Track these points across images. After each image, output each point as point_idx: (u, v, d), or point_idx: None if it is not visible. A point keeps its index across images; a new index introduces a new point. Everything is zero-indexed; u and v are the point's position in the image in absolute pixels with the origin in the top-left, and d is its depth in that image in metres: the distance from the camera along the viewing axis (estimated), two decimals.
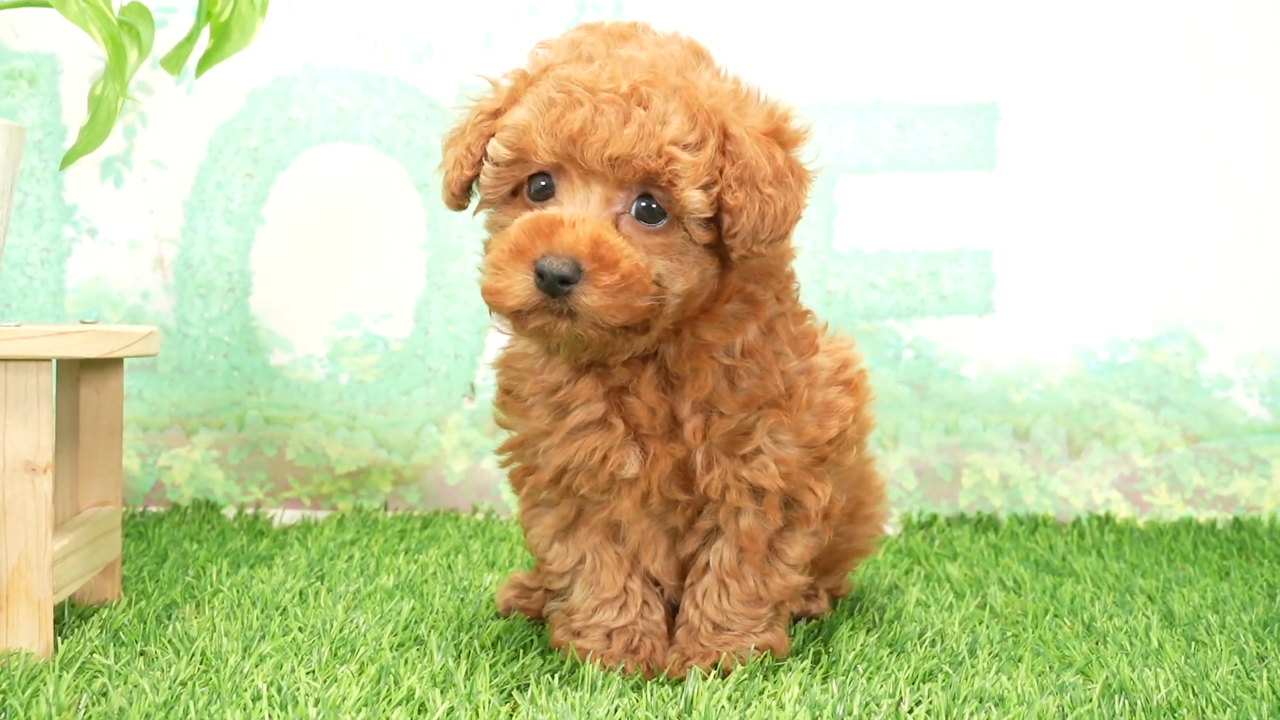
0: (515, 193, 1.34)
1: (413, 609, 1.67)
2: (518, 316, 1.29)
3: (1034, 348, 2.49)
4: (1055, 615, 1.74)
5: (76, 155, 1.84)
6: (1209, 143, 2.49)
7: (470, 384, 2.50)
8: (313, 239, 2.49)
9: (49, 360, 1.49)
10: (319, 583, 1.82)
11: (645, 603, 1.50)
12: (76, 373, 1.72)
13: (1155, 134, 2.48)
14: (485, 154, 1.33)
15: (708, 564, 1.48)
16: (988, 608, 1.78)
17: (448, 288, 2.49)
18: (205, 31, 1.97)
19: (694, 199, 1.29)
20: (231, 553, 2.03)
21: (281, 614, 1.64)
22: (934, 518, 2.45)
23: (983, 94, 2.48)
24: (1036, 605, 1.78)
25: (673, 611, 1.52)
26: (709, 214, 1.30)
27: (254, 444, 2.49)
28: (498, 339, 2.38)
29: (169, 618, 1.62)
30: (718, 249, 1.34)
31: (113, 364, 1.75)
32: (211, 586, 1.79)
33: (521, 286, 1.26)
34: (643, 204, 1.30)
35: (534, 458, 1.47)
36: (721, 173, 1.30)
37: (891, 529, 2.42)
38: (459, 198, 1.38)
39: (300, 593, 1.76)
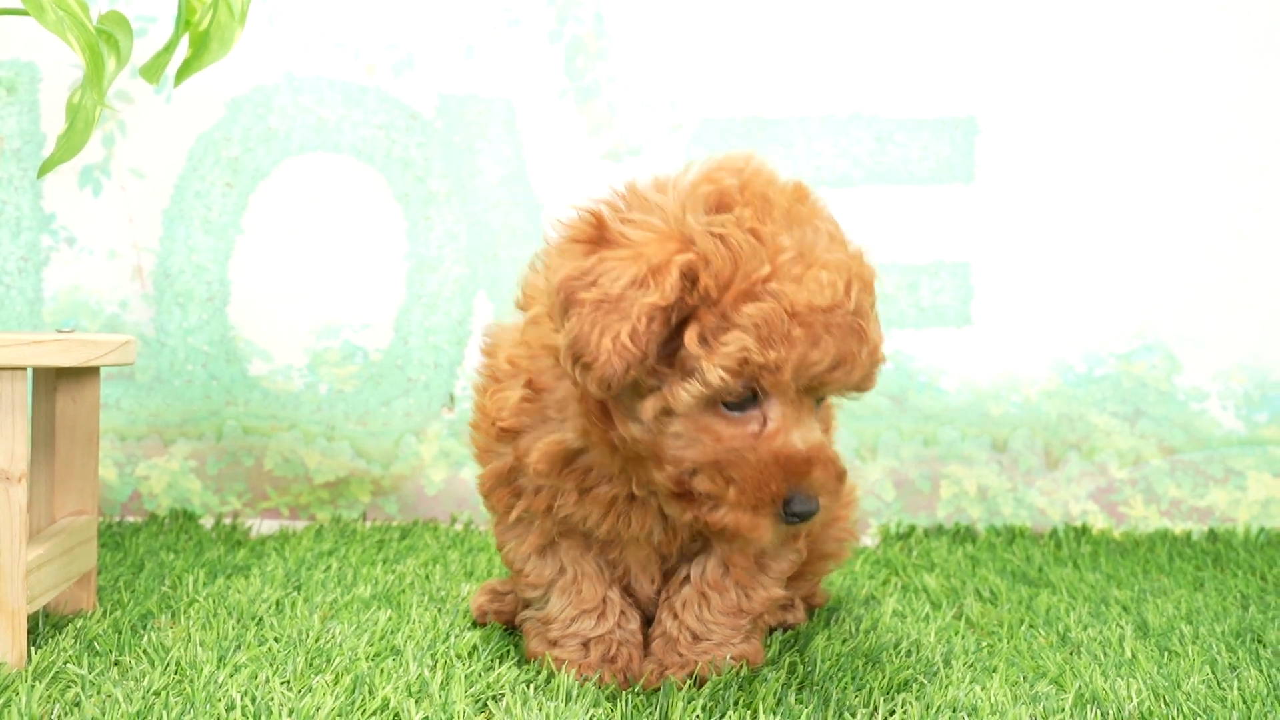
0: (706, 403, 1.24)
1: (389, 619, 1.67)
2: (748, 544, 1.31)
3: (1012, 360, 2.51)
4: (1031, 626, 1.74)
5: (54, 163, 1.84)
6: (1187, 158, 2.50)
7: (450, 394, 2.50)
8: (292, 249, 2.49)
9: (24, 369, 1.49)
10: (296, 593, 1.82)
11: (623, 612, 1.50)
12: (53, 382, 1.72)
13: (1133, 149, 2.50)
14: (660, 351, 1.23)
15: (687, 576, 1.49)
16: (964, 618, 1.79)
17: (427, 298, 2.49)
18: (185, 41, 1.97)
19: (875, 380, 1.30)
20: (208, 563, 2.02)
21: (257, 624, 1.64)
22: (912, 529, 2.46)
23: (961, 108, 2.50)
24: (1012, 616, 1.79)
25: (645, 623, 1.53)
26: None
27: (232, 454, 2.48)
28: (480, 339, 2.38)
29: (144, 628, 1.61)
30: None
31: (89, 373, 1.74)
32: (188, 596, 1.78)
33: (772, 524, 1.24)
34: None
35: (519, 481, 1.46)
36: None
37: (870, 540, 2.43)
38: (614, 392, 1.24)
39: (277, 603, 1.75)
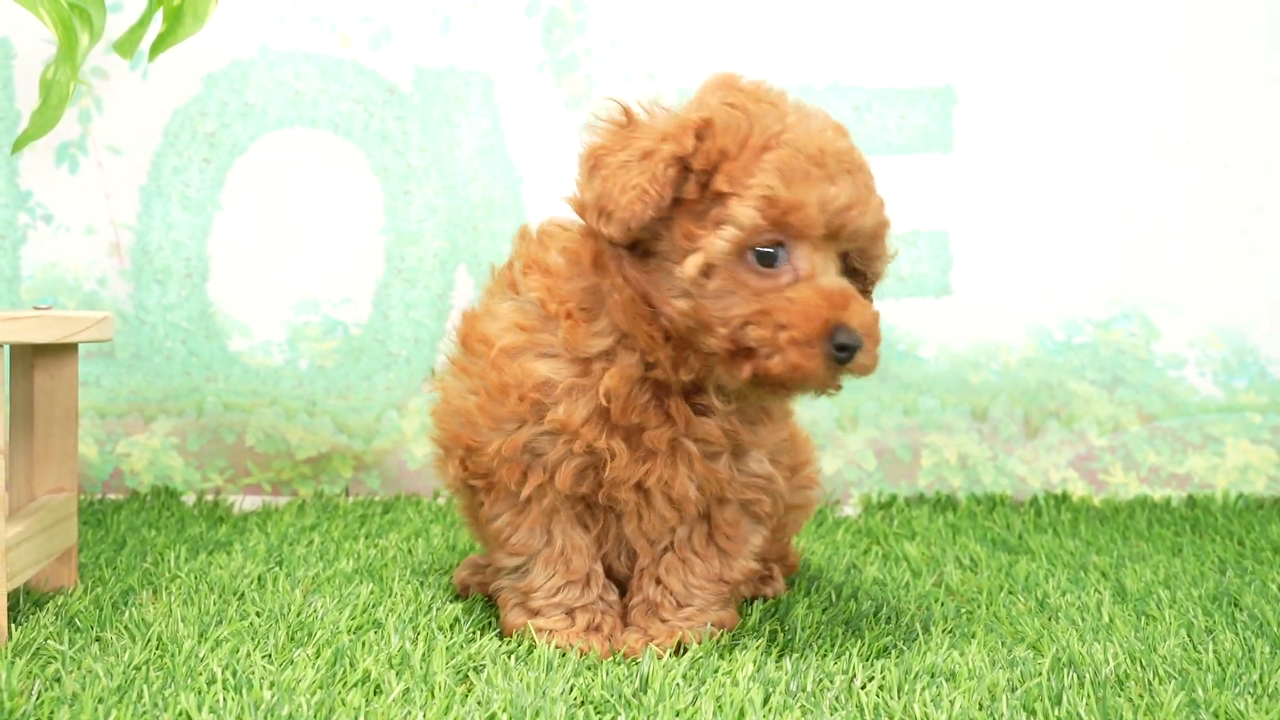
0: (737, 256, 1.32)
1: (371, 592, 1.67)
2: (802, 385, 1.33)
3: (991, 329, 2.51)
4: (1010, 592, 1.76)
5: (28, 139, 1.83)
6: (1162, 126, 2.51)
7: (432, 369, 2.50)
8: (271, 224, 2.48)
9: (1, 346, 1.48)
10: (278, 568, 1.82)
11: (604, 584, 1.52)
12: (30, 358, 1.71)
13: (1110, 117, 2.51)
14: (675, 202, 1.34)
15: (670, 544, 1.50)
16: (944, 585, 1.80)
17: (407, 272, 2.49)
18: (159, 15, 1.96)
19: (891, 250, 1.41)
20: (190, 539, 2.02)
21: (239, 599, 1.64)
22: (893, 498, 2.47)
23: (939, 77, 2.50)
24: (991, 582, 1.80)
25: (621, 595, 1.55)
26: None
27: (213, 430, 2.48)
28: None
29: (126, 604, 1.61)
30: None
31: (67, 349, 1.74)
32: (169, 572, 1.78)
33: (824, 361, 1.30)
34: (845, 263, 1.37)
35: (531, 458, 1.45)
36: None
37: (851, 509, 2.44)
38: (633, 234, 1.34)
39: (258, 578, 1.76)
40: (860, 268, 1.39)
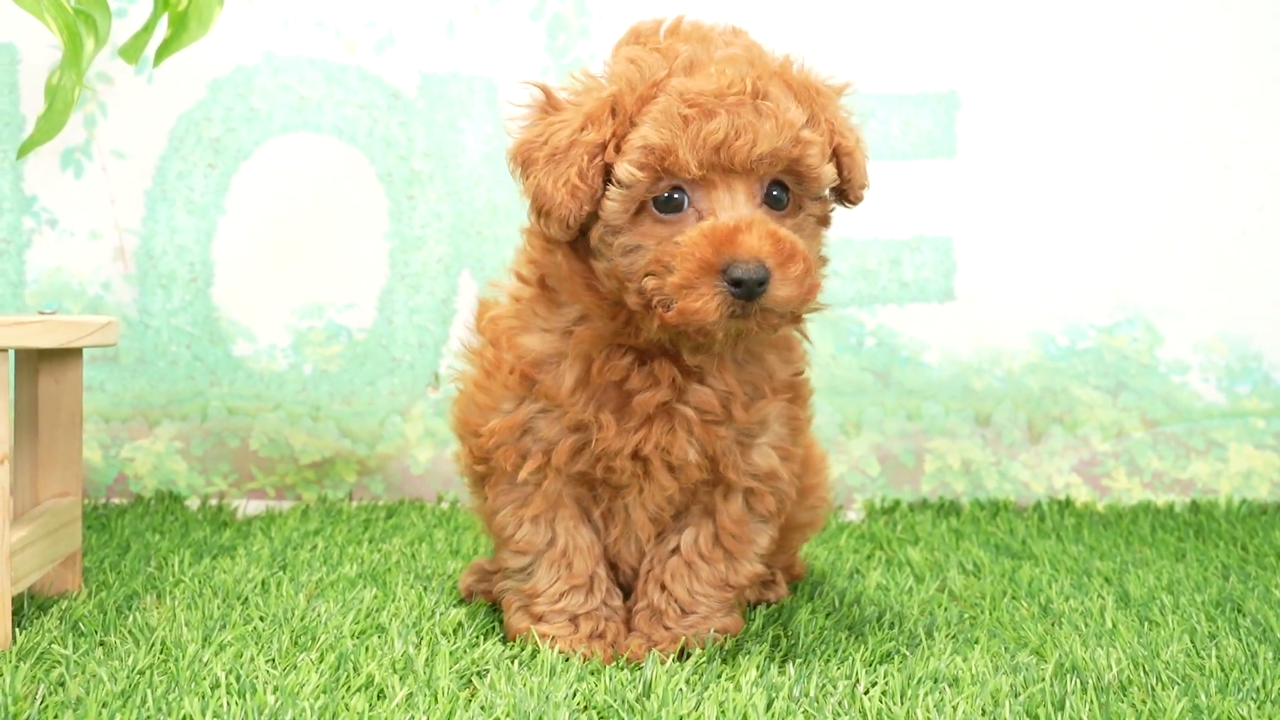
0: (639, 211, 1.33)
1: (375, 597, 1.67)
2: (705, 330, 1.30)
3: (994, 334, 2.52)
4: (1013, 597, 1.76)
5: (33, 145, 1.84)
6: (1164, 131, 2.51)
7: (435, 374, 2.50)
8: (275, 229, 2.48)
9: (6, 351, 1.49)
10: (281, 572, 1.82)
11: (608, 589, 1.51)
12: (35, 363, 1.72)
13: (1113, 122, 2.51)
14: (605, 184, 1.33)
15: (676, 547, 1.50)
16: (947, 591, 1.80)
17: (411, 277, 2.49)
18: (164, 21, 1.97)
19: (829, 173, 1.36)
20: (194, 543, 2.02)
21: (243, 603, 1.64)
22: (896, 503, 2.47)
23: (943, 82, 2.50)
24: (995, 588, 1.80)
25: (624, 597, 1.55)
26: (838, 182, 1.38)
27: (217, 435, 2.48)
28: (463, 328, 2.39)
29: (129, 608, 1.62)
30: (822, 223, 1.42)
31: (72, 354, 1.74)
32: (173, 577, 1.78)
33: (718, 300, 1.28)
34: (772, 193, 1.34)
35: (532, 441, 1.46)
36: (831, 135, 1.37)
37: (854, 514, 2.44)
38: (574, 230, 1.35)
39: (262, 582, 1.76)
40: (800, 192, 1.36)
